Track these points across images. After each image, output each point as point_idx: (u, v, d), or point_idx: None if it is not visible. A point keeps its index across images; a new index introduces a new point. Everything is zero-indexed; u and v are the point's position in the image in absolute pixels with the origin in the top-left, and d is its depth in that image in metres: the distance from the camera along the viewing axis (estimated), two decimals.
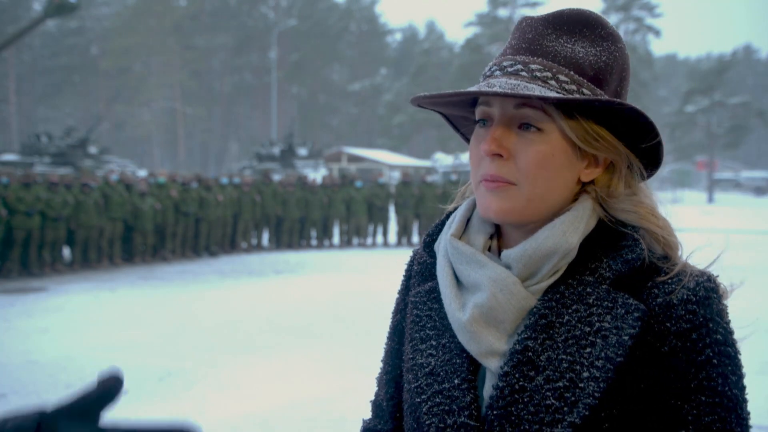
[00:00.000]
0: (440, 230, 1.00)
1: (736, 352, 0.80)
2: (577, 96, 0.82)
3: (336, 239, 15.79)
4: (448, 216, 1.00)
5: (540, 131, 0.83)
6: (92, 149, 20.89)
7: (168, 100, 51.41)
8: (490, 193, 0.85)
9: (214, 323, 7.27)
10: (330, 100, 56.36)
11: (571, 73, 0.84)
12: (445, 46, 57.94)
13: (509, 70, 0.85)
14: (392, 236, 16.02)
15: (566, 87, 0.83)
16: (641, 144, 0.86)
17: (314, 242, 15.45)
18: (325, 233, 15.43)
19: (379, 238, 15.97)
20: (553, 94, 0.81)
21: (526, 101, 0.83)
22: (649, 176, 0.91)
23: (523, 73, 0.84)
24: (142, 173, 20.60)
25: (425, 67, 50.16)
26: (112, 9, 55.84)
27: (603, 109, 0.83)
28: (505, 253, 0.86)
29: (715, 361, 0.78)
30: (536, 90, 0.81)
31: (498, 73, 0.86)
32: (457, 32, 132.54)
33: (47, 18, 11.76)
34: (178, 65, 50.23)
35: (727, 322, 0.81)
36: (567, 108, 0.83)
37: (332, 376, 5.27)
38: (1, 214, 10.48)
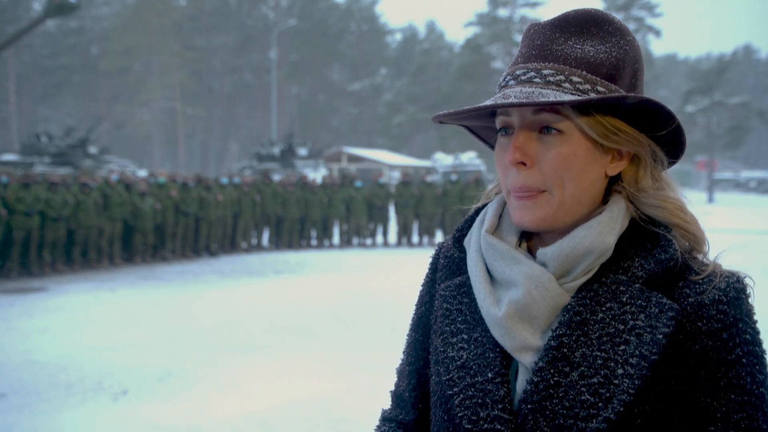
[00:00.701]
0: (470, 226, 1.01)
1: (763, 352, 0.82)
2: (592, 95, 0.84)
3: (336, 239, 15.79)
4: (477, 213, 1.02)
5: (560, 133, 0.85)
6: (92, 149, 20.89)
7: (168, 100, 51.39)
8: (522, 205, 0.87)
9: (214, 323, 7.27)
10: (330, 100, 56.36)
11: (584, 73, 0.86)
12: (445, 46, 57.93)
13: (523, 78, 0.87)
14: (392, 236, 16.01)
15: (580, 87, 0.85)
16: (662, 131, 0.87)
17: (314, 242, 15.45)
18: (325, 233, 15.43)
19: (379, 238, 15.96)
20: (568, 97, 0.82)
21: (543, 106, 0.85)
22: (671, 164, 0.93)
23: (537, 80, 0.86)
24: (142, 173, 20.61)
25: (425, 67, 50.15)
26: (112, 9, 55.85)
27: (619, 103, 0.85)
28: (541, 251, 0.88)
29: (744, 360, 0.80)
30: (551, 95, 0.82)
31: (512, 82, 0.88)
32: (457, 32, 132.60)
33: (47, 18, 11.75)
34: (178, 65, 50.21)
35: (755, 322, 0.83)
36: (583, 107, 0.84)
37: (332, 376, 5.27)
38: (0, 214, 10.48)
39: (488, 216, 0.96)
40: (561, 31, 0.88)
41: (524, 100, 0.82)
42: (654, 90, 51.68)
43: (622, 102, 0.84)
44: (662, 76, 60.08)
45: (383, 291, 9.02)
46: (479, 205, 1.03)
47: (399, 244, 15.49)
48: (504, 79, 0.90)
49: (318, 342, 6.43)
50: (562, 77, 0.85)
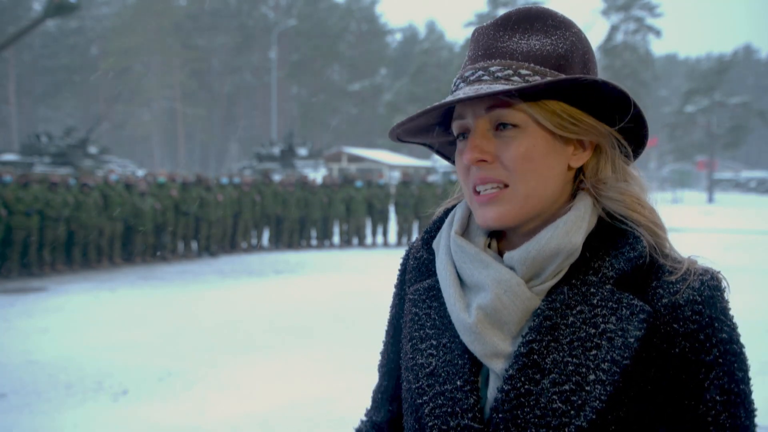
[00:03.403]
0: (438, 227, 0.99)
1: (742, 348, 0.81)
2: (538, 81, 0.82)
3: (336, 239, 15.79)
4: (446, 214, 1.00)
5: (516, 127, 0.83)
6: (92, 149, 20.90)
7: (168, 100, 51.38)
8: (485, 205, 0.85)
9: (214, 323, 7.27)
10: (330, 100, 56.31)
11: (532, 65, 0.84)
12: (445, 46, 57.89)
13: (471, 78, 0.86)
14: (392, 236, 16.01)
15: (529, 79, 0.83)
16: (625, 119, 0.85)
17: (314, 242, 15.45)
18: (325, 233, 15.43)
19: (379, 238, 15.96)
20: (516, 86, 0.81)
21: (495, 102, 0.83)
22: (636, 155, 0.90)
23: (485, 77, 0.85)
24: (142, 173, 20.61)
25: (425, 67, 50.14)
26: (112, 9, 55.81)
27: (573, 90, 0.83)
28: (507, 255, 0.86)
29: (721, 360, 0.79)
30: (499, 89, 0.81)
31: (462, 84, 0.87)
32: (457, 32, 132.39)
33: (47, 18, 11.76)
34: (178, 65, 50.19)
35: (731, 319, 0.82)
36: (536, 98, 0.83)
37: (332, 376, 5.27)
38: (0, 213, 10.48)
39: (457, 217, 0.94)
40: (505, 29, 0.87)
41: (472, 95, 0.80)
42: (654, 90, 51.68)
43: (572, 87, 0.82)
44: (662, 76, 60.06)
45: (383, 291, 8.94)
46: (448, 206, 1.01)
47: (399, 244, 15.48)
48: (454, 84, 0.89)
49: (318, 342, 6.43)
50: (510, 71, 0.84)
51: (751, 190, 46.12)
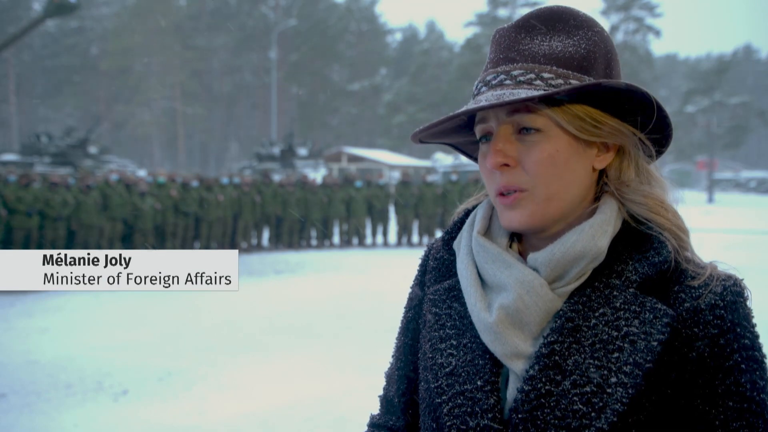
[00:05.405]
0: (459, 228, 0.99)
1: (763, 357, 0.80)
2: (561, 85, 0.82)
3: (336, 239, 15.79)
4: (466, 215, 1.00)
5: (539, 131, 0.83)
6: (92, 149, 20.92)
7: (168, 100, 51.37)
8: (509, 208, 0.86)
9: (214, 323, 7.28)
10: (330, 100, 56.30)
11: (554, 68, 0.84)
12: (445, 46, 57.92)
13: (493, 82, 0.86)
14: (392, 236, 16.01)
15: (552, 83, 0.83)
16: (647, 120, 0.84)
17: (314, 242, 15.45)
18: (325, 233, 15.42)
19: (379, 238, 15.96)
20: (539, 93, 0.80)
21: (517, 107, 0.83)
22: (659, 154, 0.90)
23: (508, 82, 0.84)
24: (142, 173, 20.62)
25: (425, 67, 50.15)
26: (112, 9, 55.83)
27: (597, 94, 0.82)
28: (531, 256, 0.85)
29: (743, 366, 0.78)
30: (522, 94, 0.81)
31: (484, 89, 0.87)
32: (457, 32, 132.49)
33: (47, 18, 11.76)
34: (178, 65, 50.19)
35: (754, 326, 0.81)
36: (559, 102, 0.82)
37: (332, 376, 5.27)
38: (0, 214, 10.48)
39: (478, 217, 0.94)
40: (526, 31, 0.87)
41: (495, 102, 0.80)
42: (654, 90, 51.56)
43: (595, 90, 0.82)
44: (662, 76, 60.07)
45: (383, 291, 9.01)
46: (468, 206, 1.01)
47: (399, 244, 15.48)
48: (476, 87, 0.89)
49: (318, 342, 6.43)
50: (532, 75, 0.83)
51: (751, 190, 46.06)
